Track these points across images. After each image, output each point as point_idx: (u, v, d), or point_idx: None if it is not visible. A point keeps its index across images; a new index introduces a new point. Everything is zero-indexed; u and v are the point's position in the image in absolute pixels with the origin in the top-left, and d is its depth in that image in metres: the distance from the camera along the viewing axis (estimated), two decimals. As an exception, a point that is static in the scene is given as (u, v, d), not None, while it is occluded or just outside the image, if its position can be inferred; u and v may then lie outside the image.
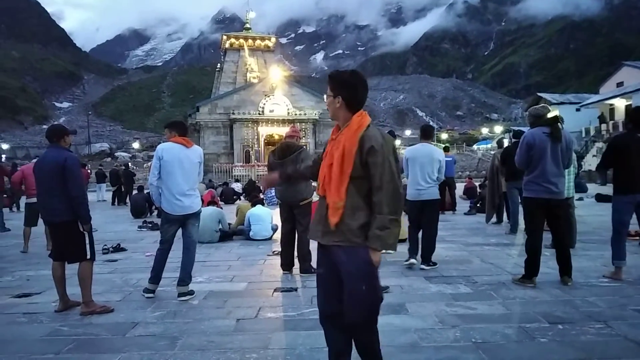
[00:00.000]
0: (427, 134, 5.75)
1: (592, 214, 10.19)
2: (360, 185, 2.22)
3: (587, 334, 3.27)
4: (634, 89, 32.21)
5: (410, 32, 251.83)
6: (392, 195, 2.17)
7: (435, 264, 5.49)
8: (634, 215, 4.78)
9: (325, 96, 2.47)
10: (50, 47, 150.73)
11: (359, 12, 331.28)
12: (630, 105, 31.69)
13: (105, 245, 7.33)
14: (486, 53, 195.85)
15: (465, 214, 11.30)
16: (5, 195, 9.21)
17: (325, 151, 2.40)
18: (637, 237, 6.49)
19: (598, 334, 3.27)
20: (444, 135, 72.76)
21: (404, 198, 2.21)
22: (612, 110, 35.19)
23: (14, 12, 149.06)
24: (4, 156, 37.84)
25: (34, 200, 7.30)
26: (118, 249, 7.25)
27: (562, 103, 41.78)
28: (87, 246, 4.08)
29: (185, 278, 4.46)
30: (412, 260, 5.53)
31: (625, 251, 4.73)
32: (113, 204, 17.95)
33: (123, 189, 18.02)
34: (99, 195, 20.28)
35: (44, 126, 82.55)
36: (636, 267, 4.97)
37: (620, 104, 34.06)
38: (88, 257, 4.08)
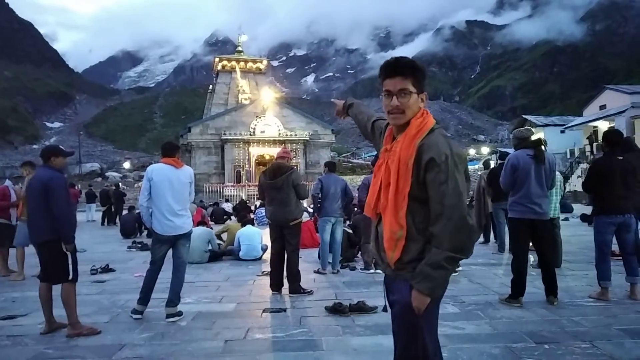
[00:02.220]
0: None
1: (577, 234, 10.30)
2: (417, 209, 1.72)
3: (573, 353, 3.31)
4: (616, 112, 32.97)
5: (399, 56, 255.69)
6: (457, 225, 1.63)
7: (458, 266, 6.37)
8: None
9: (383, 96, 1.86)
10: (42, 67, 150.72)
11: (349, 37, 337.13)
12: (613, 127, 32.36)
13: (94, 265, 7.24)
14: (473, 76, 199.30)
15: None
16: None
17: (377, 165, 1.92)
18: (620, 257, 6.57)
19: (584, 353, 3.31)
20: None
21: (475, 231, 1.71)
22: (595, 132, 35.84)
23: (7, 32, 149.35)
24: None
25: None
26: (106, 269, 7.17)
27: (547, 125, 42.61)
28: (70, 267, 4.03)
29: (174, 299, 4.45)
30: (460, 268, 6.35)
31: (610, 271, 4.80)
32: (103, 224, 17.79)
33: (113, 209, 17.89)
34: (88, 216, 20.08)
35: (35, 146, 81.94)
36: (621, 286, 5.03)
37: (603, 126, 34.71)
38: (70, 278, 4.03)
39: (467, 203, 1.72)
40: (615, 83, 53.10)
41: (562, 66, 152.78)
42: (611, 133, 4.98)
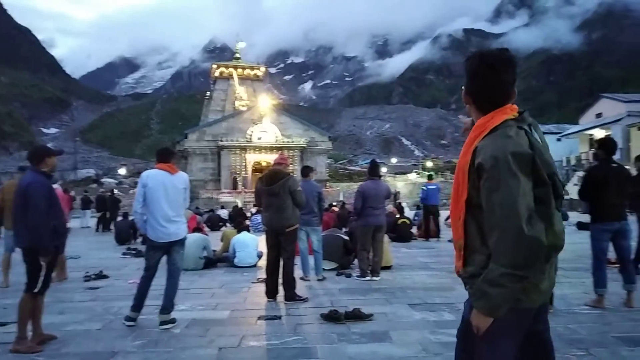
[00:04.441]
0: None
1: (573, 241, 10.27)
2: (480, 217, 1.57)
3: (568, 361, 3.29)
4: (612, 120, 33.22)
5: (396, 64, 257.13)
6: (512, 238, 1.45)
7: None
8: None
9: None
10: (39, 73, 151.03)
11: (346, 44, 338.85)
12: (609, 135, 32.57)
13: (87, 272, 7.22)
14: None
15: (449, 241, 11.32)
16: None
17: None
18: (617, 265, 6.58)
19: (579, 361, 3.29)
20: (429, 164, 73.62)
21: (539, 244, 1.47)
22: (591, 140, 36.08)
23: (5, 38, 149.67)
24: (-14, 182, 37.31)
25: None
26: (100, 276, 7.12)
27: (544, 133, 42.59)
28: (41, 279, 3.85)
29: (167, 306, 4.41)
30: None
31: (606, 279, 4.80)
32: (97, 230, 17.72)
33: (108, 215, 17.84)
34: (83, 222, 20.02)
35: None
36: (617, 294, 5.02)
37: (599, 134, 34.92)
38: (35, 290, 3.84)
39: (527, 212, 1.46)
40: (611, 91, 53.37)
41: (559, 74, 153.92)
42: (608, 141, 4.99)
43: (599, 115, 37.48)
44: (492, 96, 1.64)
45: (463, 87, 1.75)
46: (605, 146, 4.93)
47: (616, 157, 4.99)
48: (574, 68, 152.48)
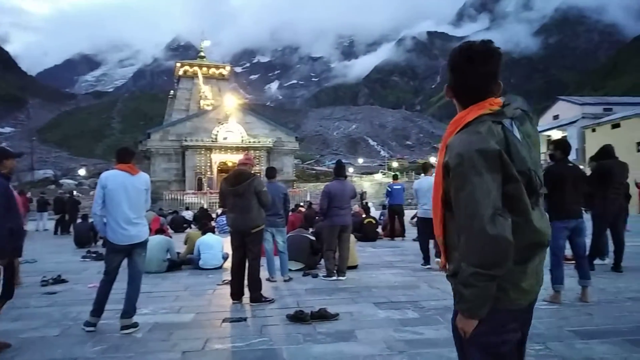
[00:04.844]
0: (426, 169, 8.40)
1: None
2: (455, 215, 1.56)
3: (527, 355, 3.34)
4: (568, 122, 34.61)
5: (362, 65, 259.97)
6: (476, 237, 1.42)
7: None
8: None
9: None
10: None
11: (313, 45, 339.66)
12: (565, 136, 33.91)
13: (45, 276, 6.94)
14: (433, 86, 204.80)
15: (414, 240, 11.52)
16: None
17: None
18: (573, 261, 6.84)
19: (537, 355, 3.40)
20: (395, 164, 74.72)
21: (504, 242, 1.41)
22: (549, 141, 37.50)
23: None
24: None
25: None
26: (58, 280, 6.86)
27: (504, 134, 44.20)
28: (1, 282, 3.76)
29: (129, 310, 4.29)
30: (429, 266, 7.24)
31: (563, 275, 4.99)
32: (56, 233, 17.07)
33: (67, 218, 17.20)
34: (39, 225, 19.23)
35: (-19, 152, 77.91)
36: (572, 289, 5.23)
37: (556, 135, 36.36)
38: None
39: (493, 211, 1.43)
40: (567, 94, 55.72)
41: (519, 77, 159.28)
42: (564, 142, 5.22)
43: (556, 117, 39.00)
44: (471, 90, 1.59)
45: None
46: (561, 147, 5.14)
47: (572, 157, 5.20)
48: (533, 71, 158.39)
